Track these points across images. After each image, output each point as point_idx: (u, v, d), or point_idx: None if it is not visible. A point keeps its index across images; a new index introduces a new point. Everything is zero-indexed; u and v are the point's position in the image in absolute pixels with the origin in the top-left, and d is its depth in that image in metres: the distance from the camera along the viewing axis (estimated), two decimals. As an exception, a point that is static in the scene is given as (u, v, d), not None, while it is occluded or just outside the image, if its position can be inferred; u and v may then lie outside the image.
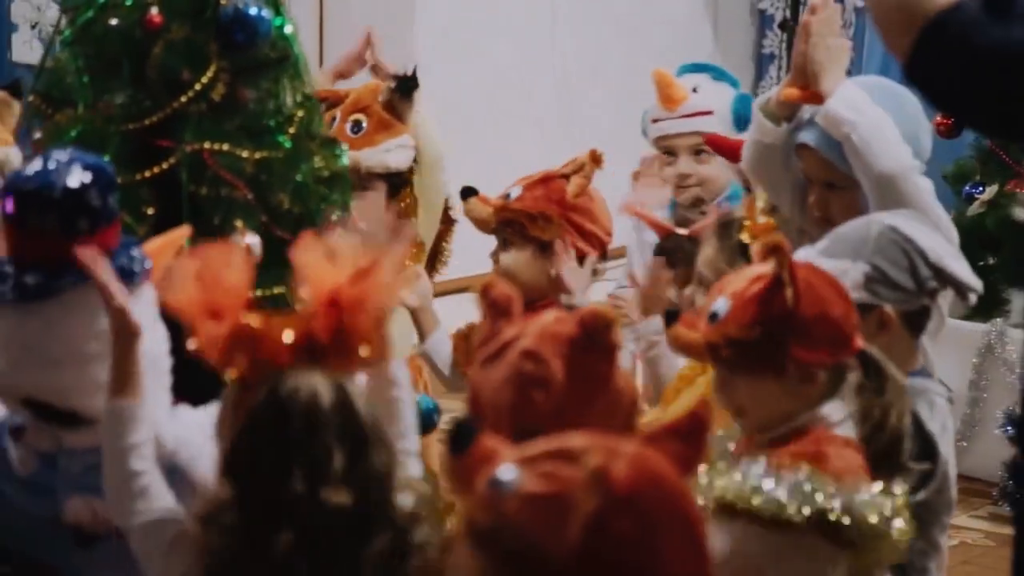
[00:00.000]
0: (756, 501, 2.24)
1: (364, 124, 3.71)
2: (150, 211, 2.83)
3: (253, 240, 2.85)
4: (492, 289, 2.26)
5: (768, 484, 2.25)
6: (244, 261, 2.12)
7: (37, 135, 2.97)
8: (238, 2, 2.81)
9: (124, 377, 2.19)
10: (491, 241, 3.65)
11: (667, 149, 4.25)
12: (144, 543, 2.16)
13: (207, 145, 2.83)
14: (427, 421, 3.27)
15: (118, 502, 2.19)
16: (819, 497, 2.24)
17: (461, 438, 1.74)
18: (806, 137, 3.18)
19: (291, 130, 2.94)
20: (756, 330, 2.36)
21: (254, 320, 2.05)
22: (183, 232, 2.52)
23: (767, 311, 2.36)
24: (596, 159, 3.54)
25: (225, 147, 2.84)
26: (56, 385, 2.29)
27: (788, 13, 7.22)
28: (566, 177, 3.55)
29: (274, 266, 2.90)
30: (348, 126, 3.70)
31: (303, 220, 2.95)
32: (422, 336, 3.57)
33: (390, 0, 6.89)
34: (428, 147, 3.76)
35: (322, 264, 2.10)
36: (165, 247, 2.45)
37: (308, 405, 2.01)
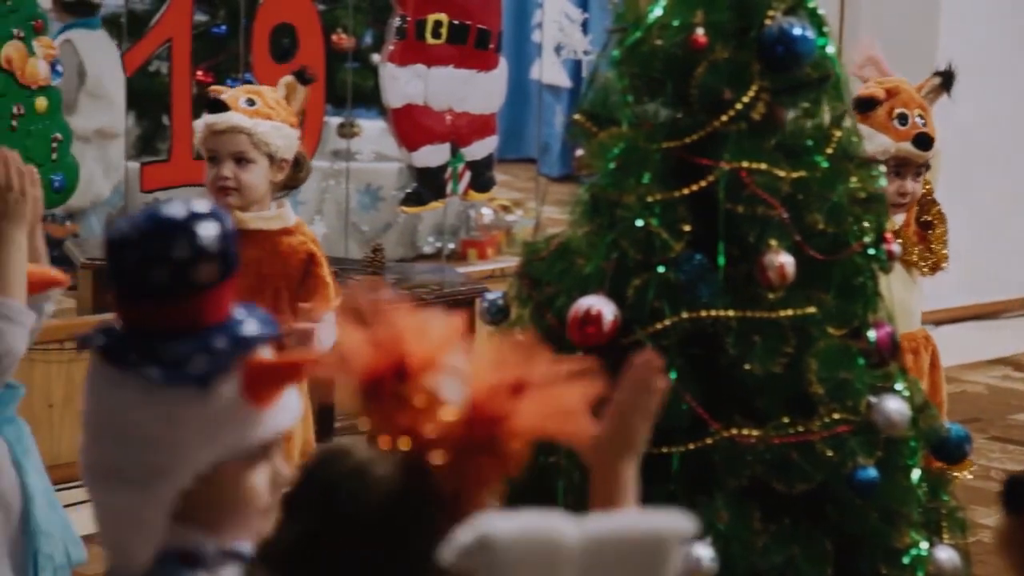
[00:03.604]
0: None
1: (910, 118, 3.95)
2: (686, 228, 2.87)
3: (787, 260, 2.86)
4: None
5: None
6: (449, 333, 1.76)
7: (579, 152, 3.07)
8: (783, 22, 2.82)
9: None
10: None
11: None
12: None
13: (745, 164, 2.85)
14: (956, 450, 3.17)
15: None
16: None
17: (1018, 496, 1.64)
18: None
19: (828, 150, 2.93)
20: None
21: (410, 393, 1.70)
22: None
23: None
24: None
25: (762, 166, 2.86)
26: None
27: None
28: None
29: (805, 286, 2.91)
30: (917, 120, 3.94)
31: (837, 241, 2.94)
32: None
33: (914, 18, 6.78)
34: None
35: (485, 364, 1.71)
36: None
37: (307, 473, 1.73)
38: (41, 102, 4.53)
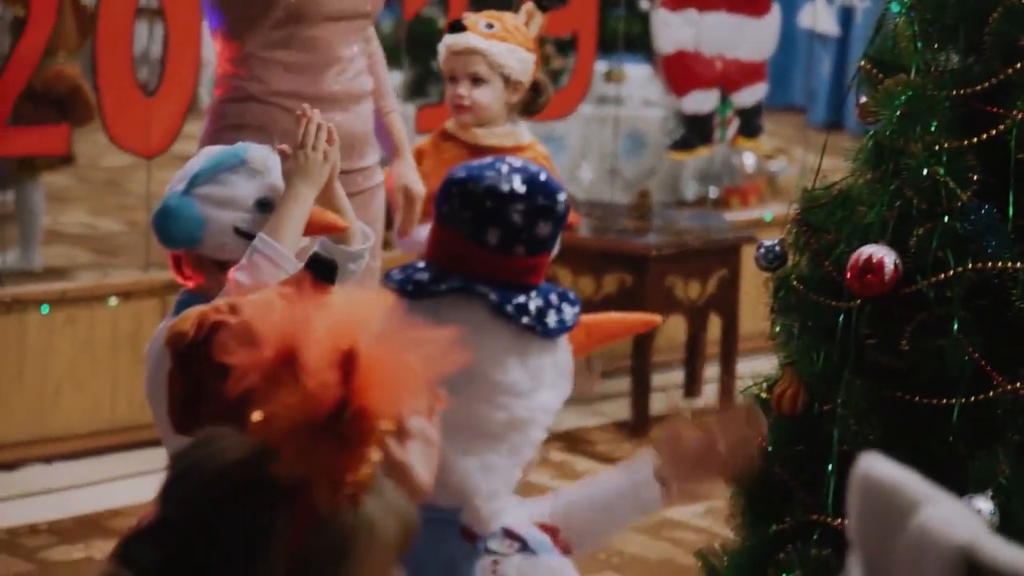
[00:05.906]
0: None
1: None
2: (974, 177, 2.82)
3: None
4: None
5: None
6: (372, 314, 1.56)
7: (863, 99, 3.03)
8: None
9: None
10: None
11: None
12: None
13: (1038, 113, 2.79)
14: None
15: None
16: None
17: None
18: None
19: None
20: None
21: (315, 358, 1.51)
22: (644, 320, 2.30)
23: None
24: None
25: (1057, 115, 2.79)
26: None
27: None
28: None
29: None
30: None
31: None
32: None
33: None
34: None
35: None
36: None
37: (174, 459, 1.60)
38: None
